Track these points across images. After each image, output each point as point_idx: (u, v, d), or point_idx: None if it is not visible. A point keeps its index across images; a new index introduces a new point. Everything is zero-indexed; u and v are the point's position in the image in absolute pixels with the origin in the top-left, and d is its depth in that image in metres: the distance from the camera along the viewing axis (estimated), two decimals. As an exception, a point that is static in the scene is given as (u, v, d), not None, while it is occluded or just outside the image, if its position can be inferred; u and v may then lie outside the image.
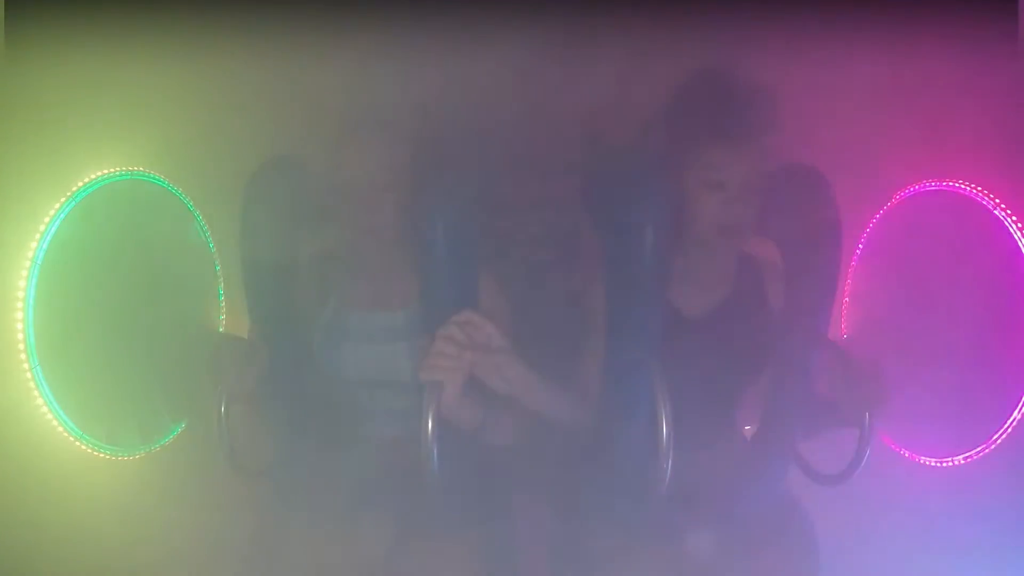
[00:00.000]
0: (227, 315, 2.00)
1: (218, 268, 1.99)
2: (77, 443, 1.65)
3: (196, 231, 1.94)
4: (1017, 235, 1.71)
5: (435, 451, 1.49)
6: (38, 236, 1.59)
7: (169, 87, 1.79)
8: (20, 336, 1.56)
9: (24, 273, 1.57)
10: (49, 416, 1.60)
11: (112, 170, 1.72)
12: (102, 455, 1.71)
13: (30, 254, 1.58)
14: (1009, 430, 1.74)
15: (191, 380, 1.79)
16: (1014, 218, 1.71)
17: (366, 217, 1.68)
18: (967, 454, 1.81)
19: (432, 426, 1.49)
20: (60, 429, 1.62)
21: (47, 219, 1.60)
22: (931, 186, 1.83)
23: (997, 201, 1.73)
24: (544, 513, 1.82)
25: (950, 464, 1.84)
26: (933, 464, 1.87)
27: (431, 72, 1.83)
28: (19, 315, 1.56)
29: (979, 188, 1.75)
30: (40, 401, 1.59)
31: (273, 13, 1.77)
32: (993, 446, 1.76)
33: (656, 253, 1.56)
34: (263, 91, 1.86)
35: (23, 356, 1.57)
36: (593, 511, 1.73)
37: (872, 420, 1.59)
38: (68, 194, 1.63)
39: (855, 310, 1.99)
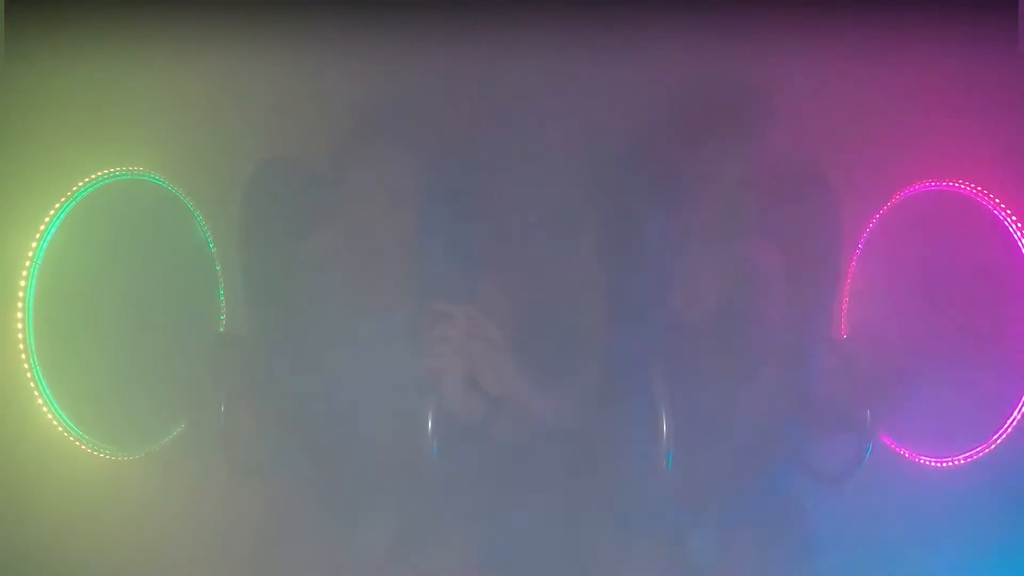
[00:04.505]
0: (227, 315, 2.00)
1: (218, 268, 1.99)
2: (77, 443, 1.65)
3: (196, 231, 1.94)
4: (1017, 235, 1.71)
5: (435, 449, 1.49)
6: (38, 236, 1.59)
7: (169, 87, 1.79)
8: (20, 336, 1.56)
9: (24, 273, 1.57)
10: (49, 416, 1.60)
11: (112, 170, 1.72)
12: (102, 455, 1.71)
13: (30, 254, 1.58)
14: (1009, 430, 1.74)
15: (191, 380, 1.79)
16: (1014, 218, 1.71)
17: (366, 217, 1.68)
18: (967, 454, 1.81)
19: (432, 424, 1.49)
20: (60, 429, 1.62)
21: (47, 219, 1.60)
22: (931, 186, 1.83)
23: (997, 201, 1.73)
24: (544, 512, 1.82)
25: (950, 464, 1.84)
26: (933, 464, 1.87)
27: (432, 72, 1.83)
28: (19, 315, 1.56)
29: (979, 188, 1.75)
30: (40, 401, 1.59)
31: (274, 13, 1.77)
32: (993, 446, 1.76)
33: (656, 252, 1.56)
34: (263, 91, 1.86)
35: (23, 356, 1.57)
36: (593, 511, 1.73)
37: (872, 420, 1.59)
38: (68, 194, 1.63)
39: (855, 310, 1.99)
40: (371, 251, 1.75)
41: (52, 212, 1.61)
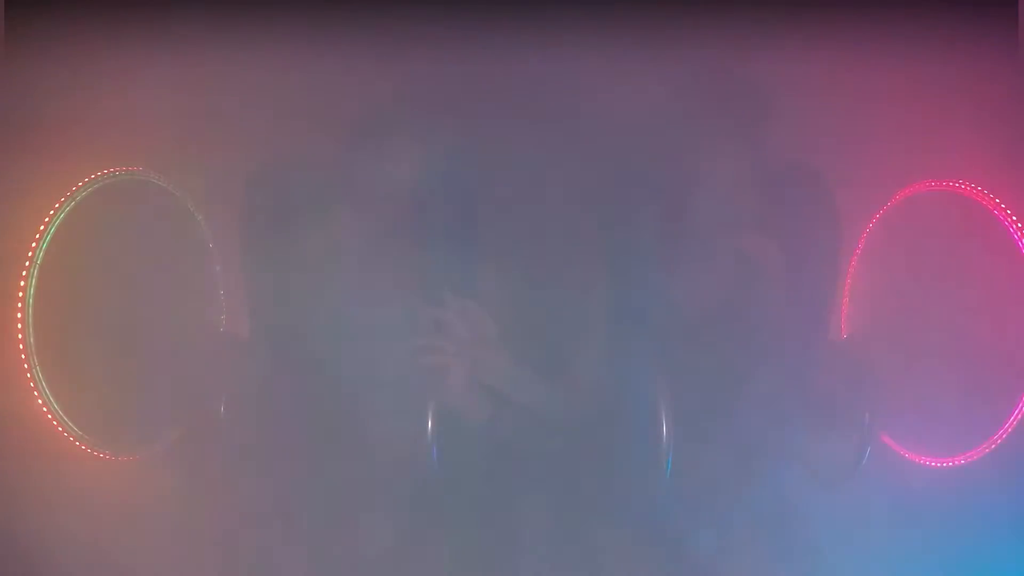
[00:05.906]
0: (227, 315, 2.00)
1: (218, 268, 1.99)
2: (77, 443, 1.65)
3: (196, 231, 1.94)
4: (1017, 235, 1.71)
5: (435, 448, 1.50)
6: (38, 236, 1.59)
7: (169, 87, 1.79)
8: (20, 336, 1.56)
9: (24, 273, 1.57)
10: (49, 416, 1.60)
11: (112, 170, 1.72)
12: (102, 455, 1.71)
13: (30, 254, 1.58)
14: (1009, 430, 1.74)
15: (191, 380, 1.78)
16: (1014, 218, 1.71)
17: (366, 216, 1.69)
18: (967, 454, 1.81)
19: (432, 423, 1.49)
20: (60, 429, 1.62)
21: (47, 219, 1.60)
22: (931, 186, 1.83)
23: (997, 201, 1.73)
24: (544, 512, 1.82)
25: (950, 464, 1.84)
26: (933, 464, 1.87)
27: (432, 72, 1.83)
28: (19, 315, 1.56)
29: (979, 188, 1.75)
30: (40, 401, 1.59)
31: (274, 13, 1.77)
32: (993, 446, 1.76)
33: (656, 251, 1.57)
34: (263, 91, 1.86)
35: (23, 356, 1.57)
36: (593, 510, 1.73)
37: (872, 420, 1.59)
38: (68, 194, 1.63)
39: (855, 310, 1.99)
40: (371, 251, 1.76)
41: (52, 212, 1.61)
